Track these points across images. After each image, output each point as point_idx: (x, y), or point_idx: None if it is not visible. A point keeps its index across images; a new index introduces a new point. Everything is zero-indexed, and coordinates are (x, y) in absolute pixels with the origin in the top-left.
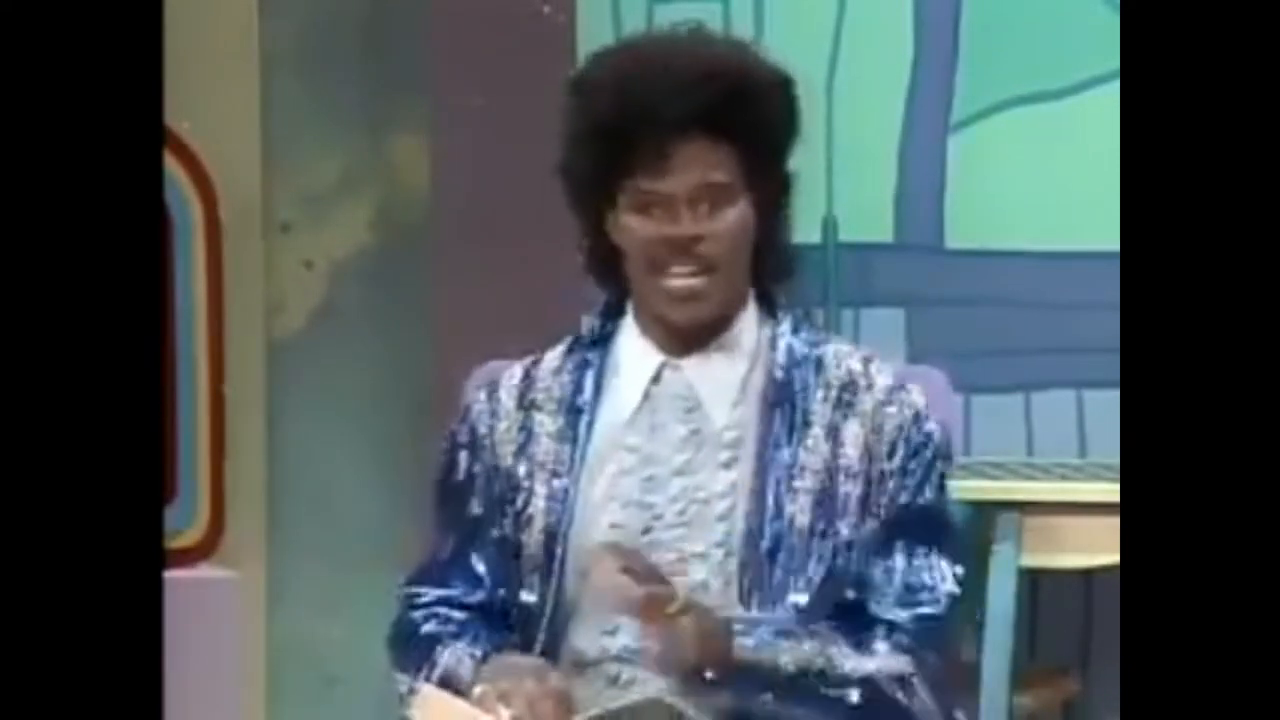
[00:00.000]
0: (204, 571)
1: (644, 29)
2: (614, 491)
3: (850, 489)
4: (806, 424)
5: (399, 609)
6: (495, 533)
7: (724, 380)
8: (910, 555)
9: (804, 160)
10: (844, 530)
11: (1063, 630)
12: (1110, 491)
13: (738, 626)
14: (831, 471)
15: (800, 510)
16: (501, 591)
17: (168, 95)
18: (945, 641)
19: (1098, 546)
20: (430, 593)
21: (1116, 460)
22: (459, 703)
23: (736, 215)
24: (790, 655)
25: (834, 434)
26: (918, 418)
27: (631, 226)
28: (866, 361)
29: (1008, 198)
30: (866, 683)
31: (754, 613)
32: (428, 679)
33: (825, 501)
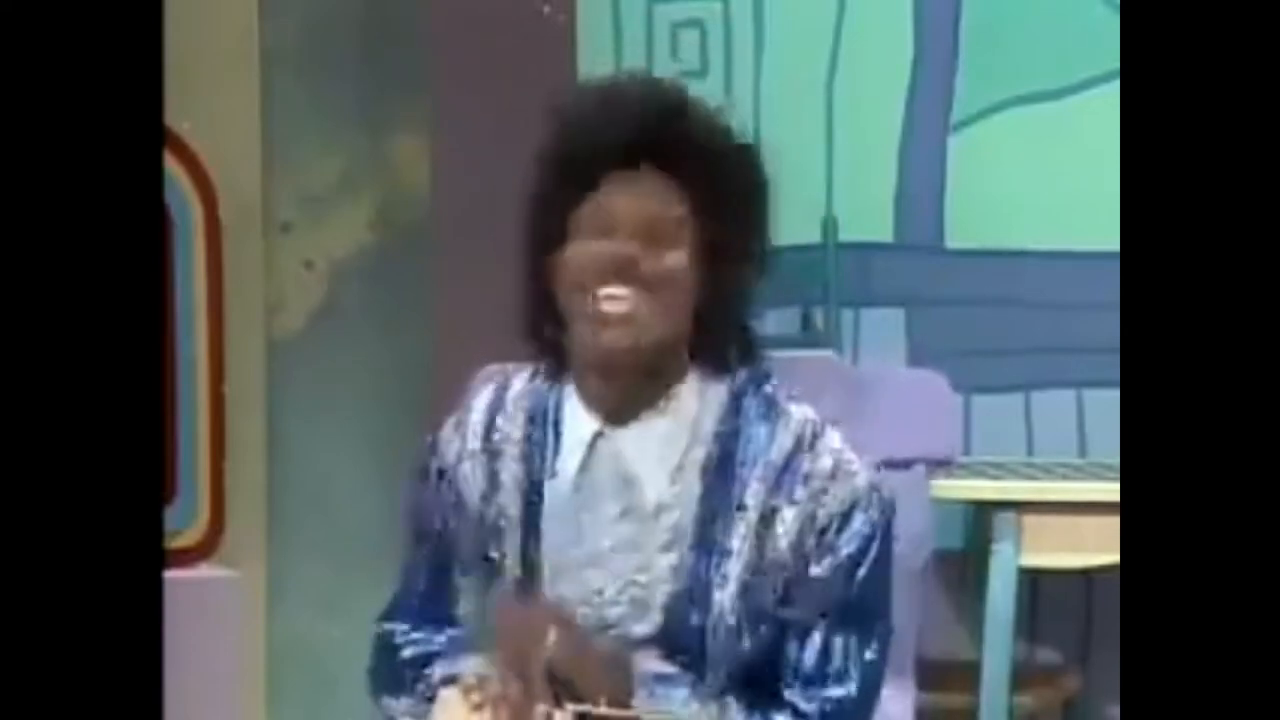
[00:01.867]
0: (204, 571)
1: (642, 32)
2: (560, 560)
3: (779, 577)
4: (742, 507)
5: (375, 645)
6: (469, 576)
7: (660, 454)
8: (827, 642)
9: (804, 160)
10: (771, 618)
11: (1063, 630)
12: (1110, 491)
13: (642, 668)
14: (762, 558)
15: (730, 598)
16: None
17: (168, 96)
18: None
19: (1098, 546)
20: (406, 627)
21: (1116, 460)
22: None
23: (677, 259)
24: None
25: (768, 519)
26: (856, 506)
27: (572, 250)
28: (811, 441)
29: (1008, 198)
30: None
31: (665, 665)
32: (429, 689)
33: (754, 590)
